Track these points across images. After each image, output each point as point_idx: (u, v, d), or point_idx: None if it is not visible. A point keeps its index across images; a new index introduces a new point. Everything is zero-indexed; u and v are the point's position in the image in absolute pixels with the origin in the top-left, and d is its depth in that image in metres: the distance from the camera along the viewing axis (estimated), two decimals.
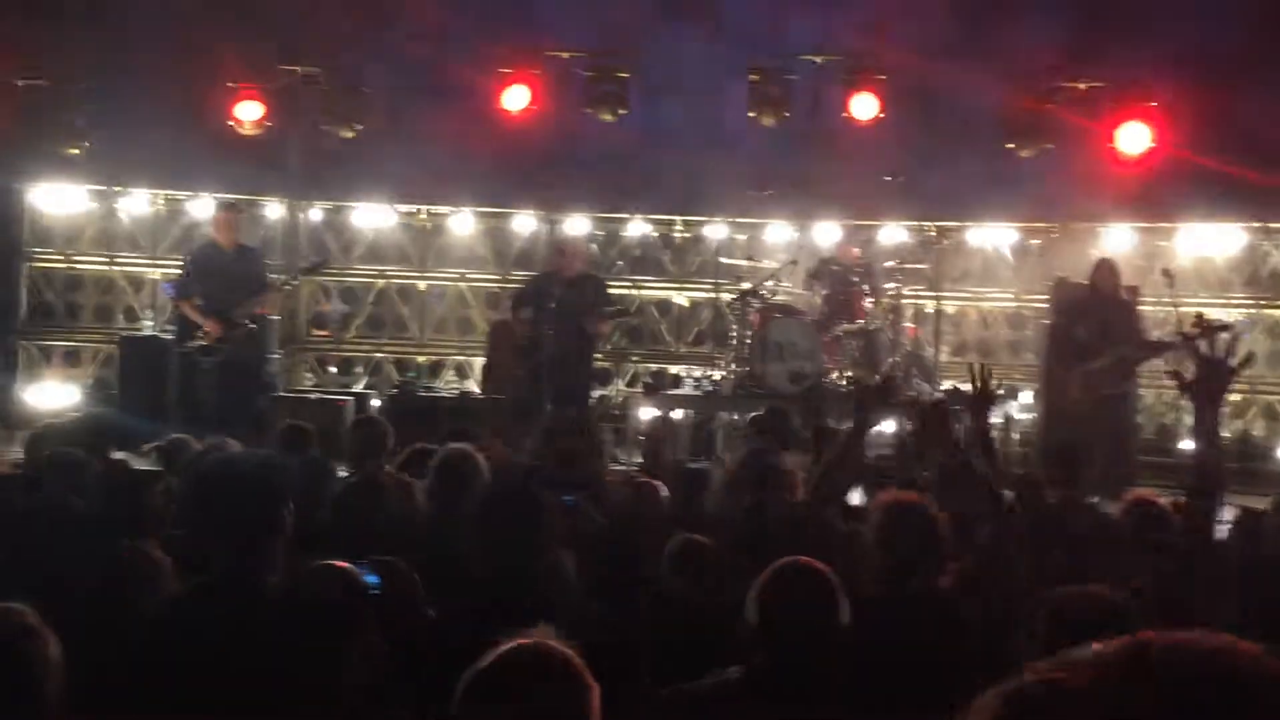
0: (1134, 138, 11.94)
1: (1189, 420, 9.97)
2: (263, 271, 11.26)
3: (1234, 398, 12.97)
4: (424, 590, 3.81)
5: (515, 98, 12.82)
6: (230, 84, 12.93)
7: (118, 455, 5.99)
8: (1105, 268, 10.78)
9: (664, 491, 6.03)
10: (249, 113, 12.83)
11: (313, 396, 11.66)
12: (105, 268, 14.22)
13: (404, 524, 4.99)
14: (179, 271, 11.42)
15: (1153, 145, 11.92)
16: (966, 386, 12.26)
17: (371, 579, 3.51)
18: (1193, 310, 10.10)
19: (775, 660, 3.45)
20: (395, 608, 3.55)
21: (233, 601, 3.24)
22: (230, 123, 12.83)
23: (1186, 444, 10.13)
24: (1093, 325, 10.43)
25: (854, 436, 5.32)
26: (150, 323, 13.19)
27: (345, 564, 3.33)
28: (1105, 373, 10.24)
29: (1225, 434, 12.79)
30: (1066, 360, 10.52)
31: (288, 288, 11.84)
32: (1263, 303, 12.34)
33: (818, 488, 5.07)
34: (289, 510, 3.40)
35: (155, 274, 14.09)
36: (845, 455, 5.17)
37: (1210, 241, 13.01)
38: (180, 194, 14.02)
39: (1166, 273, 10.57)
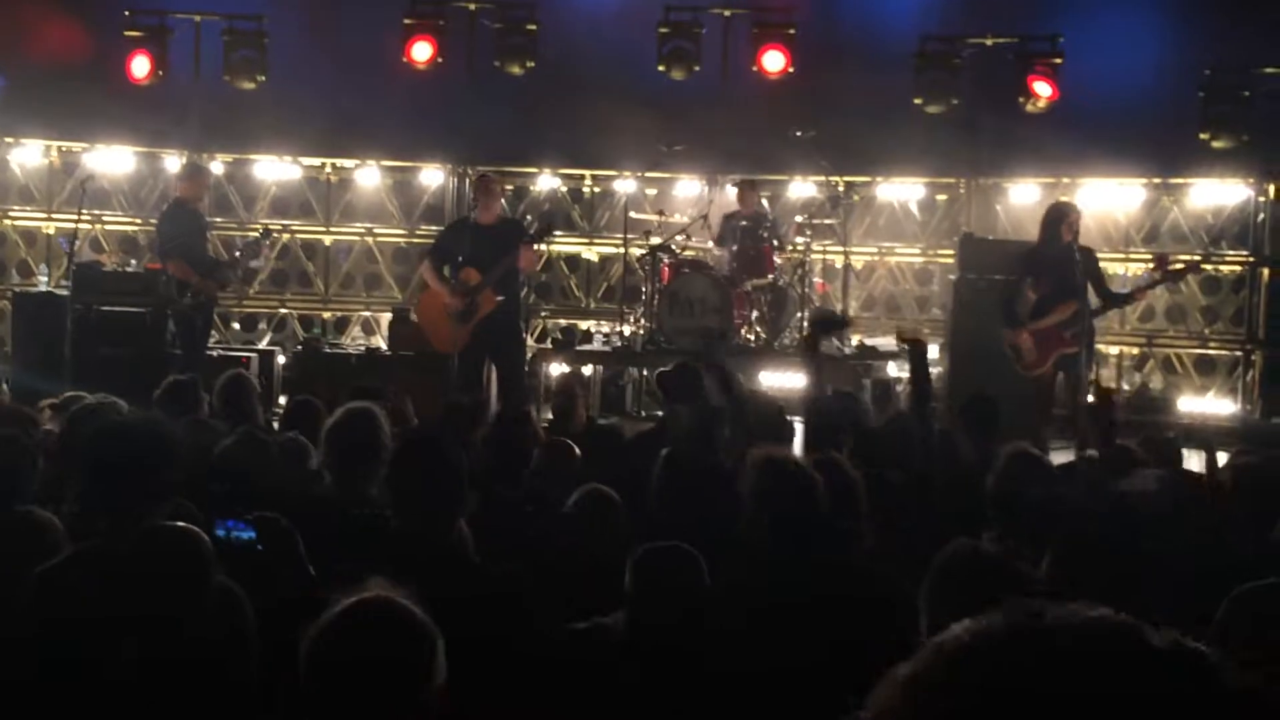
0: (1042, 88, 12.07)
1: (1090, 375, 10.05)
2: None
3: (1133, 351, 13.24)
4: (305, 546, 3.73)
5: (420, 50, 12.63)
6: (127, 33, 12.60)
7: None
8: (1058, 213, 9.72)
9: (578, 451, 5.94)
10: (139, 68, 12.53)
11: (214, 353, 11.42)
12: None
13: (292, 481, 4.88)
14: (157, 231, 11.18)
15: (1054, 96, 12.07)
16: (874, 342, 12.31)
17: (248, 535, 3.43)
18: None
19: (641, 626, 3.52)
20: (274, 564, 3.49)
21: (96, 569, 3.15)
22: (126, 75, 12.53)
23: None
24: (1048, 279, 9.49)
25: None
26: (45, 278, 12.83)
27: (183, 524, 3.22)
28: (1061, 328, 9.41)
29: (1124, 386, 13.07)
30: (1015, 318, 9.62)
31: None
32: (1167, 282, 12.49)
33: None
34: (170, 475, 3.31)
35: (49, 228, 13.72)
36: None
37: (1112, 197, 13.21)
38: (76, 145, 13.65)
39: (1162, 262, 10.04)
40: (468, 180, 14.04)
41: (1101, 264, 10.28)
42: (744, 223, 11.73)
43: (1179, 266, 10.60)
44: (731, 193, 12.62)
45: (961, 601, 2.66)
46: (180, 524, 3.24)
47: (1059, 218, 9.62)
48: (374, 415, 4.68)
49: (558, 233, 13.25)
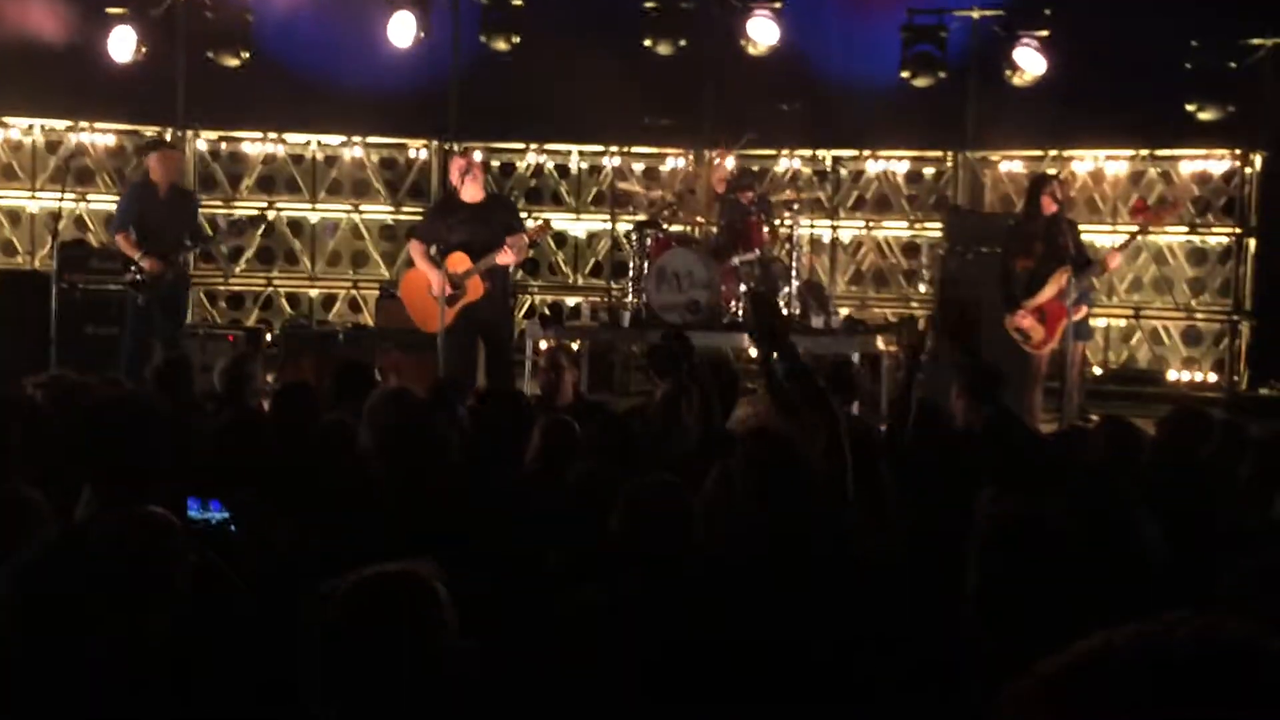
0: (1030, 60, 12.01)
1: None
2: (196, 214, 10.77)
3: (1119, 322, 13.25)
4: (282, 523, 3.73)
5: (403, 26, 12.57)
6: (109, 9, 12.53)
7: None
8: (1037, 183, 9.72)
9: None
10: (122, 45, 12.43)
11: (200, 332, 11.38)
12: None
13: (288, 462, 4.87)
14: (115, 206, 10.95)
15: (1042, 69, 12.02)
16: (862, 316, 12.18)
17: (221, 515, 3.42)
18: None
19: (634, 572, 3.51)
20: (248, 543, 3.49)
21: (72, 551, 3.12)
22: (109, 52, 12.47)
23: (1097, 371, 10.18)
24: (1036, 250, 9.43)
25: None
26: (29, 256, 12.79)
27: (151, 507, 3.20)
28: (1060, 298, 9.33)
29: (1109, 358, 13.09)
30: (1014, 300, 9.44)
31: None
32: (1151, 228, 12.52)
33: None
34: (159, 456, 3.29)
35: (34, 207, 13.65)
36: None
37: (1099, 169, 13.20)
38: (59, 124, 13.57)
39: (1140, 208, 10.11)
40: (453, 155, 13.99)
41: (1085, 237, 10.27)
42: (731, 197, 11.70)
43: (1143, 217, 10.50)
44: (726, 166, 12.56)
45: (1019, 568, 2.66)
46: (149, 507, 3.20)
47: (1038, 188, 9.65)
48: (410, 395, 4.97)
49: (546, 208, 13.27)
